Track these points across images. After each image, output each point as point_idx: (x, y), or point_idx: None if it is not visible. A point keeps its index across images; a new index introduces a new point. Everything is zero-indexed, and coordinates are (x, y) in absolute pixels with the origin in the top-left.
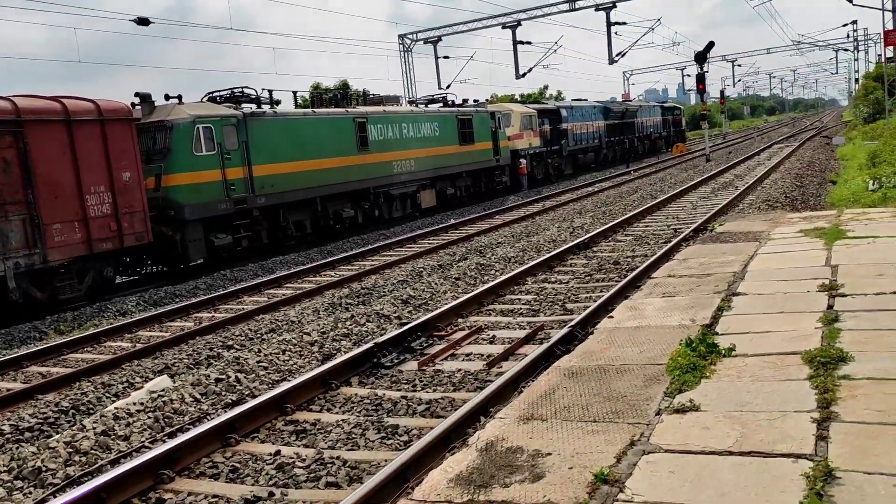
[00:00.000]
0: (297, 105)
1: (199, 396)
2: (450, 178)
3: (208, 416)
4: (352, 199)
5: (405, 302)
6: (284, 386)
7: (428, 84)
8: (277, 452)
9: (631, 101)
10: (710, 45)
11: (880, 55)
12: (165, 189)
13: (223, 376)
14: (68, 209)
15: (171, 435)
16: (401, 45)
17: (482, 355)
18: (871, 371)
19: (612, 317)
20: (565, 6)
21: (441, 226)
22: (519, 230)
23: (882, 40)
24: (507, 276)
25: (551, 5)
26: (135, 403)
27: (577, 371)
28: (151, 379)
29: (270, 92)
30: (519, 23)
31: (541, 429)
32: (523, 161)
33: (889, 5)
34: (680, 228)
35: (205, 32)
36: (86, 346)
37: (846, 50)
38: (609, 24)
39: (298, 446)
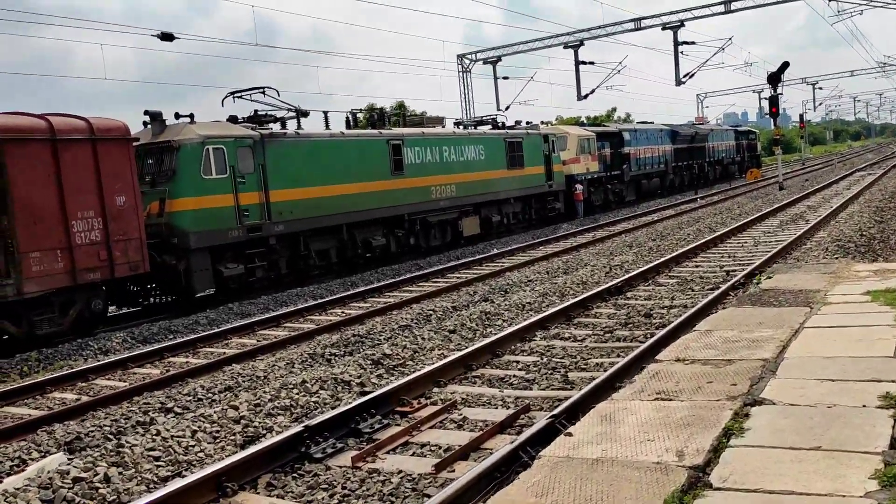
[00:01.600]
0: (327, 126)
1: None
2: (496, 205)
3: None
4: (384, 226)
5: (377, 362)
6: (156, 494)
7: (487, 105)
8: None
9: (702, 124)
10: (785, 65)
11: None
12: (170, 214)
13: (85, 474)
14: (50, 236)
15: None
16: (459, 66)
17: (439, 447)
18: None
19: (570, 434)
20: (630, 25)
21: (479, 257)
22: (557, 265)
23: None
24: (510, 331)
25: (616, 24)
26: None
27: None
28: (51, 454)
29: (297, 110)
30: (582, 42)
31: None
32: (579, 187)
33: None
34: (733, 271)
35: (289, 54)
36: (26, 398)
37: None
38: (676, 44)
39: None
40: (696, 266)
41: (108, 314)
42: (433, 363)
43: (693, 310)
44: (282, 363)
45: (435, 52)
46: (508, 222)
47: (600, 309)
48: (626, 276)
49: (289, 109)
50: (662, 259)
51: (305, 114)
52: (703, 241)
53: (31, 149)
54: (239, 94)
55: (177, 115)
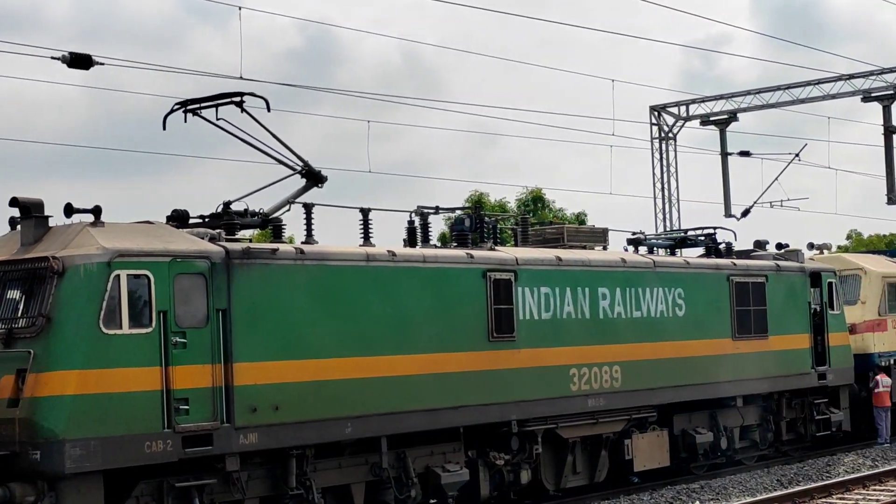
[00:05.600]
0: (366, 238)
1: None
2: (706, 408)
3: None
4: (469, 442)
5: None
6: None
7: (705, 208)
8: None
9: None
10: None
11: None
12: (32, 403)
13: None
14: None
15: None
16: (655, 127)
17: None
18: None
19: None
20: None
21: None
22: None
23: None
24: None
25: None
26: None
27: None
28: None
29: (307, 168)
30: None
31: None
32: (885, 381)
33: None
34: None
35: None
36: None
37: None
38: None
39: None
40: None
41: None
42: None
43: None
44: None
45: (603, 102)
46: (731, 445)
47: None
48: None
49: (296, 166)
50: None
51: (320, 179)
52: None
53: None
54: (194, 109)
55: (69, 209)
